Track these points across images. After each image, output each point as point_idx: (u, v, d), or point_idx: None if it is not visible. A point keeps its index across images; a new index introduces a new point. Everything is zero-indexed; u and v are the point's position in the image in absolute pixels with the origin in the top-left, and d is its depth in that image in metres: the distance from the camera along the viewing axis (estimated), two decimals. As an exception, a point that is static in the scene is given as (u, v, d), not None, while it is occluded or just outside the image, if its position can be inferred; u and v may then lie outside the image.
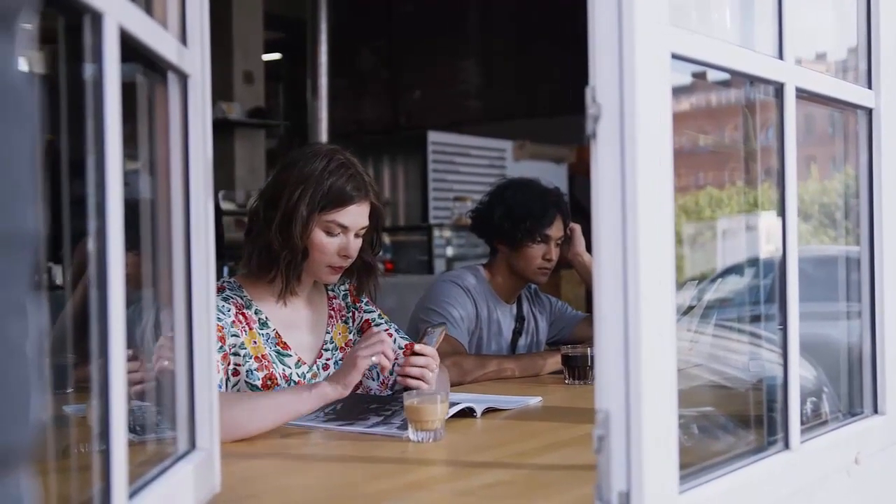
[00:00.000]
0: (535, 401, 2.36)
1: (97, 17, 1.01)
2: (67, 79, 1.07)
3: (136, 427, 1.36)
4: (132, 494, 1.10)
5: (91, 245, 1.01)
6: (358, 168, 2.25)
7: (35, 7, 0.62)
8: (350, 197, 2.19)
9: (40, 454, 0.71)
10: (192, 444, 1.38)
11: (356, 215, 2.21)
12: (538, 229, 2.99)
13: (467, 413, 2.11)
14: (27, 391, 0.56)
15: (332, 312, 2.38)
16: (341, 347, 2.35)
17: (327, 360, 2.32)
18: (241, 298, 2.22)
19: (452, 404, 2.03)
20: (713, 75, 1.56)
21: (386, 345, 2.02)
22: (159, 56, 1.24)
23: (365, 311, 2.43)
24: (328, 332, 2.34)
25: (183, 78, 1.35)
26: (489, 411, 2.18)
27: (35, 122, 0.58)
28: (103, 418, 1.02)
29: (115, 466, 1.02)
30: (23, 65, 0.58)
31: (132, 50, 1.13)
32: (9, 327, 0.55)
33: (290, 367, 2.22)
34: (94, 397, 1.04)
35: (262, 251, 2.20)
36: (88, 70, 1.03)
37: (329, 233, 2.19)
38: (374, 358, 1.99)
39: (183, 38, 1.36)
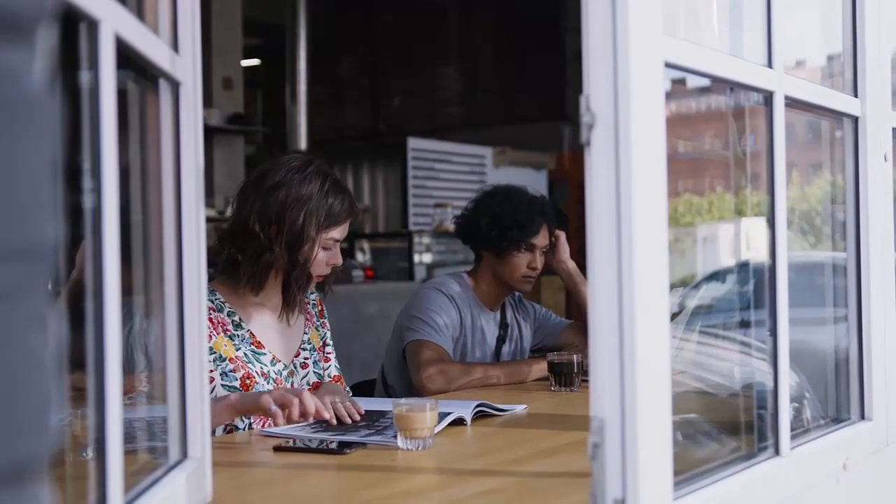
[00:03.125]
0: (521, 408, 2.36)
1: (93, 25, 1.00)
2: (61, 85, 1.06)
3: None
4: (127, 505, 1.09)
5: (87, 252, 1.01)
6: (343, 184, 2.38)
7: (53, 17, 0.61)
8: (348, 215, 2.33)
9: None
10: (184, 454, 1.37)
11: (346, 228, 2.35)
12: (524, 238, 2.99)
13: (457, 421, 2.11)
14: (48, 402, 0.56)
15: (308, 315, 2.47)
16: (318, 348, 2.46)
17: (305, 358, 2.41)
18: (212, 302, 2.25)
19: (442, 414, 2.03)
20: (692, 82, 1.57)
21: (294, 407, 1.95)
22: (152, 63, 1.23)
23: (327, 329, 2.53)
24: (306, 333, 2.44)
25: (175, 85, 1.35)
26: (479, 416, 2.18)
27: (55, 132, 0.58)
28: (99, 428, 1.01)
29: (110, 476, 1.01)
30: (42, 74, 0.57)
31: (125, 57, 1.12)
32: (30, 338, 0.54)
33: (266, 365, 2.29)
34: (87, 406, 1.03)
35: (264, 269, 2.27)
36: (83, 77, 1.02)
37: (325, 248, 2.31)
38: (273, 407, 1.92)
39: (175, 46, 1.35)
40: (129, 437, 1.37)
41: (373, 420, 2.14)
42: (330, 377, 2.43)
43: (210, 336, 2.20)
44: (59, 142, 0.59)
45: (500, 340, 3.14)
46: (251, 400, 2.00)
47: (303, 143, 8.73)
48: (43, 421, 0.56)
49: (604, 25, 1.17)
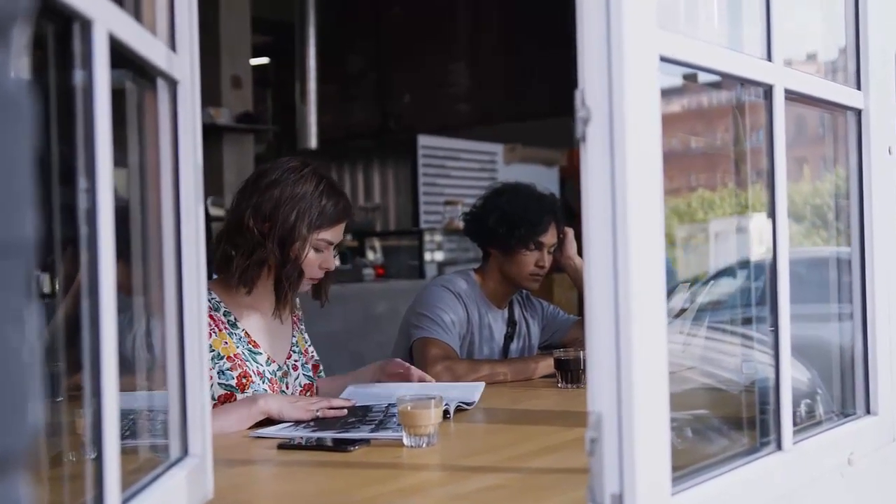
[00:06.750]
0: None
1: (87, 24, 1.01)
2: (56, 85, 1.07)
3: (125, 433, 1.35)
4: (125, 501, 1.09)
5: (83, 253, 1.01)
6: (339, 188, 2.40)
7: (30, 15, 0.62)
8: (342, 217, 2.35)
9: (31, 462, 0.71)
10: (185, 451, 1.37)
11: (341, 232, 2.37)
12: (532, 236, 2.98)
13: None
14: (25, 396, 0.57)
15: (295, 320, 2.51)
16: (304, 352, 2.49)
17: (295, 361, 2.45)
18: (209, 302, 2.27)
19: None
20: (703, 77, 1.56)
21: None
22: (148, 62, 1.24)
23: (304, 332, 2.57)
24: (294, 336, 2.48)
25: (172, 84, 1.35)
26: (475, 412, 2.22)
27: (31, 129, 0.58)
28: (96, 426, 1.01)
29: (108, 474, 1.01)
30: (18, 72, 0.58)
31: (121, 56, 1.12)
32: (7, 333, 0.55)
33: (262, 365, 2.33)
34: (84, 405, 1.04)
35: (256, 265, 2.29)
36: (78, 76, 1.03)
37: (317, 250, 2.33)
38: (318, 413, 2.15)
39: (172, 45, 1.35)
40: (130, 434, 1.38)
41: (363, 416, 2.14)
42: (301, 386, 2.44)
43: (210, 334, 2.22)
44: (38, 139, 0.60)
45: (509, 338, 3.14)
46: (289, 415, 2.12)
47: (312, 142, 8.74)
48: (20, 414, 0.56)
49: (598, 19, 1.17)
